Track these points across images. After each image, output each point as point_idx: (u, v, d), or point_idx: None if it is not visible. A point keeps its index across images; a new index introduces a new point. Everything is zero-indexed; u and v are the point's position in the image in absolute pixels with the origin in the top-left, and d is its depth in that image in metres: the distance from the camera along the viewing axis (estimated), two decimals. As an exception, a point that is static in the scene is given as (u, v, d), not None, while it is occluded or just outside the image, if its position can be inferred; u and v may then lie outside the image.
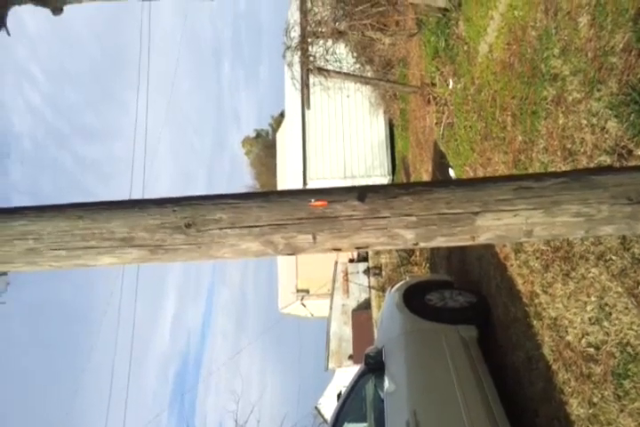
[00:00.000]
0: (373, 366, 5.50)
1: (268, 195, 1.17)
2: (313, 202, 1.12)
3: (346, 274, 16.99)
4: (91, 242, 1.16)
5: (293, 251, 1.16)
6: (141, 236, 1.16)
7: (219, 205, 1.16)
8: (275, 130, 29.74)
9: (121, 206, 1.19)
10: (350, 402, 5.66)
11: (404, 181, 13.50)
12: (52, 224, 1.16)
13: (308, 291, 20.13)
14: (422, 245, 1.16)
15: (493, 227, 1.16)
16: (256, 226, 1.14)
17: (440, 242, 1.16)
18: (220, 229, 1.15)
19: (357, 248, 1.16)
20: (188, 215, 1.16)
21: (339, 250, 1.16)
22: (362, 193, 1.14)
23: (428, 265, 11.17)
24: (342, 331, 16.31)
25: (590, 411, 3.74)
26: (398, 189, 1.17)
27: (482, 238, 1.17)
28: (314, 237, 1.14)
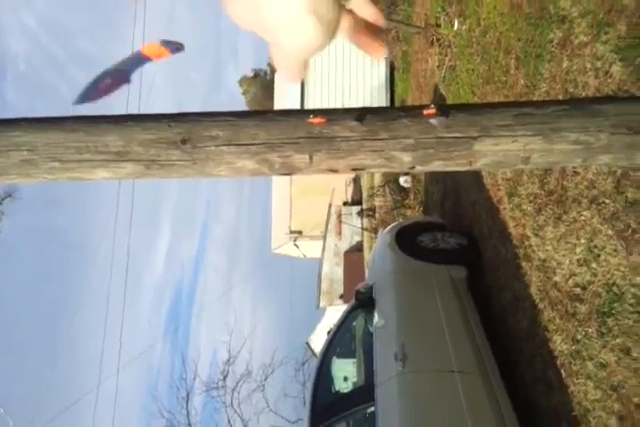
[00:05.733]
0: (364, 302, 5.62)
1: (266, 113, 1.15)
2: (312, 118, 1.10)
3: (339, 216, 17.08)
4: (85, 155, 1.15)
5: (289, 170, 1.15)
6: (136, 150, 1.15)
7: (216, 122, 1.14)
8: (273, 70, 29.06)
9: (116, 120, 1.17)
10: (339, 336, 5.81)
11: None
12: (46, 135, 1.15)
13: (300, 232, 20.29)
14: (419, 168, 1.15)
15: (491, 152, 1.15)
16: (253, 144, 1.13)
17: (437, 166, 1.16)
18: (217, 146, 1.13)
19: (353, 169, 1.15)
20: (183, 131, 1.14)
21: (335, 171, 1.16)
22: (361, 114, 1.13)
23: (421, 209, 11.23)
24: (334, 272, 16.57)
25: (573, 347, 3.86)
26: (398, 112, 1.15)
27: (479, 164, 1.16)
28: (310, 157, 1.13)
